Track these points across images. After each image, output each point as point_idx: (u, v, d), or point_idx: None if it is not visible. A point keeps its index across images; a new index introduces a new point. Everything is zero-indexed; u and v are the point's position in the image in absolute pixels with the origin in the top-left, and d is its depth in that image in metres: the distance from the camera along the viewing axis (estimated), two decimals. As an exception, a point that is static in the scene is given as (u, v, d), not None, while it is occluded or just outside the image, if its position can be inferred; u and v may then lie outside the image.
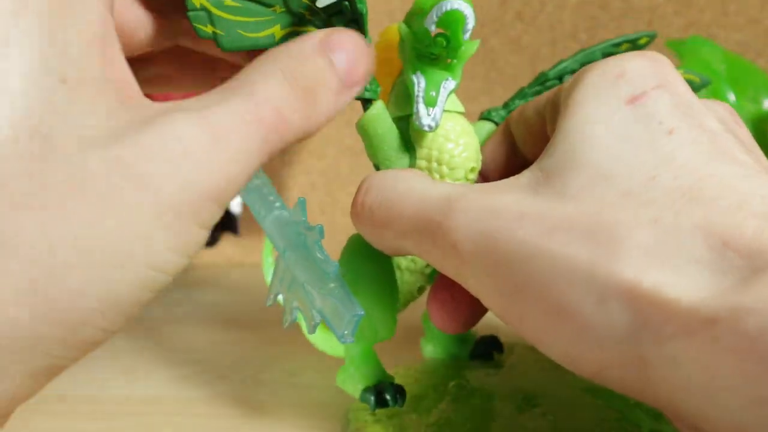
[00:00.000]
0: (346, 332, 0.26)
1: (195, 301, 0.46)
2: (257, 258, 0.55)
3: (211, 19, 0.24)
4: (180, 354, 0.38)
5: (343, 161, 0.55)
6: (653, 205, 0.20)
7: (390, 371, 0.34)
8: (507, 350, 0.35)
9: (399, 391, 0.29)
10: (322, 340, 0.35)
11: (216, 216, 0.20)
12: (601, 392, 0.32)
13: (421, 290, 0.31)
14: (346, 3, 0.25)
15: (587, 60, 0.31)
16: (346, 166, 0.55)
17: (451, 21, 0.25)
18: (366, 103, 0.28)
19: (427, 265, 0.30)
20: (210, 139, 0.19)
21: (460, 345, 0.35)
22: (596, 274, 0.20)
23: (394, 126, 0.28)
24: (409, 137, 0.28)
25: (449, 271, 0.24)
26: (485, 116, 0.32)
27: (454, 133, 0.28)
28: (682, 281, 0.19)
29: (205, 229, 0.20)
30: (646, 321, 0.19)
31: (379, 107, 0.28)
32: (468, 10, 0.25)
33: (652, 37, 0.32)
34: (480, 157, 0.29)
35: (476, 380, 0.33)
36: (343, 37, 0.23)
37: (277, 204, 0.29)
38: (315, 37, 0.23)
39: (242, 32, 0.25)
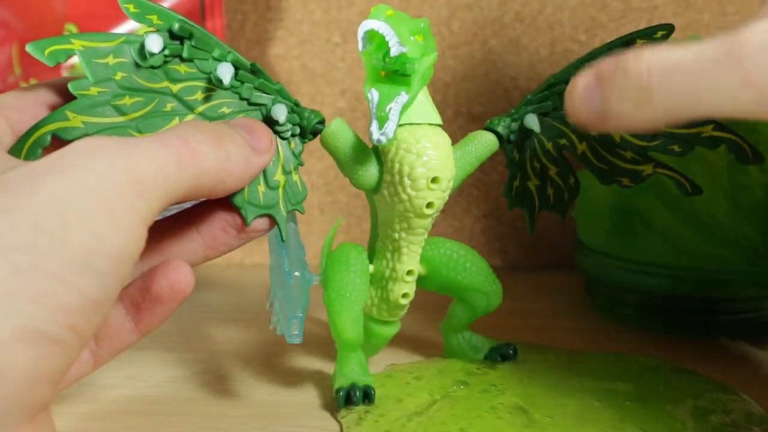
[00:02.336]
0: (294, 333, 0.29)
1: (195, 301, 0.46)
2: (257, 258, 0.56)
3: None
4: (180, 354, 0.38)
5: (342, 161, 0.55)
6: None
7: (385, 372, 0.34)
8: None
9: (366, 393, 0.31)
10: None
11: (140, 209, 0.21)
12: (602, 395, 0.32)
13: (405, 296, 0.32)
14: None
15: (593, 57, 0.31)
16: (346, 167, 0.55)
17: (375, 41, 0.27)
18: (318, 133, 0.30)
19: (408, 272, 0.32)
20: (117, 147, 0.21)
21: (476, 352, 0.35)
22: None
23: (354, 140, 0.30)
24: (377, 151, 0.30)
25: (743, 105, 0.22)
26: (488, 126, 0.32)
27: (417, 145, 0.29)
28: None
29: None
30: None
31: (335, 123, 0.30)
32: (384, 28, 0.27)
33: (670, 30, 0.31)
34: (451, 168, 0.29)
35: (475, 381, 0.33)
36: (244, 119, 0.27)
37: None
38: (221, 120, 0.27)
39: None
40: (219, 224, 0.27)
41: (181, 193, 0.23)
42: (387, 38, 0.27)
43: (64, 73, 0.42)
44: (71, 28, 0.44)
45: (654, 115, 0.23)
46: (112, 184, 0.20)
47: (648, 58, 0.23)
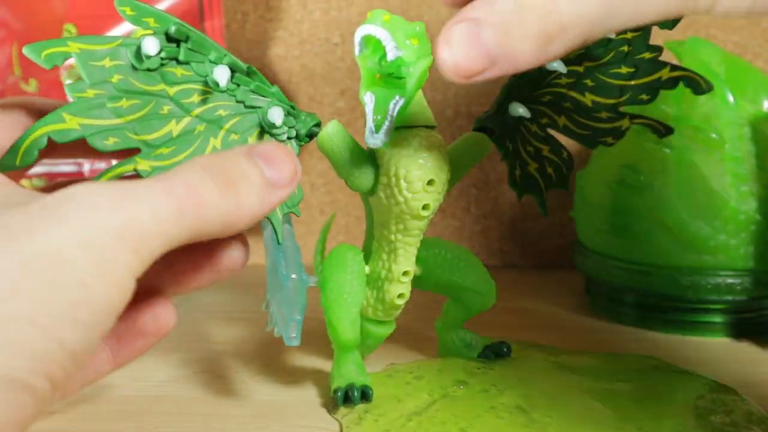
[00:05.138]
0: (292, 335, 0.29)
1: (195, 301, 0.46)
2: (257, 258, 0.55)
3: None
4: (180, 354, 0.38)
5: (342, 162, 0.55)
6: None
7: (385, 371, 0.34)
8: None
9: (363, 393, 0.31)
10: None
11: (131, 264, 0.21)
12: (602, 395, 0.32)
13: (401, 297, 0.32)
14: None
15: None
16: (346, 167, 0.55)
17: (371, 45, 0.28)
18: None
19: (404, 273, 0.32)
20: (120, 196, 0.20)
21: (470, 350, 0.35)
22: None
23: (350, 144, 0.30)
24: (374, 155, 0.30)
25: None
26: (477, 126, 0.32)
27: (411, 148, 0.29)
28: None
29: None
30: None
31: (332, 126, 0.30)
32: (381, 33, 0.27)
33: None
34: (446, 170, 0.30)
35: (474, 381, 0.33)
36: (268, 146, 0.25)
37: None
38: (244, 146, 0.25)
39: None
40: None
41: (179, 241, 0.22)
42: (384, 43, 0.27)
43: (63, 73, 0.42)
44: (71, 28, 0.44)
45: (563, 45, 0.22)
46: (107, 238, 0.20)
47: None
